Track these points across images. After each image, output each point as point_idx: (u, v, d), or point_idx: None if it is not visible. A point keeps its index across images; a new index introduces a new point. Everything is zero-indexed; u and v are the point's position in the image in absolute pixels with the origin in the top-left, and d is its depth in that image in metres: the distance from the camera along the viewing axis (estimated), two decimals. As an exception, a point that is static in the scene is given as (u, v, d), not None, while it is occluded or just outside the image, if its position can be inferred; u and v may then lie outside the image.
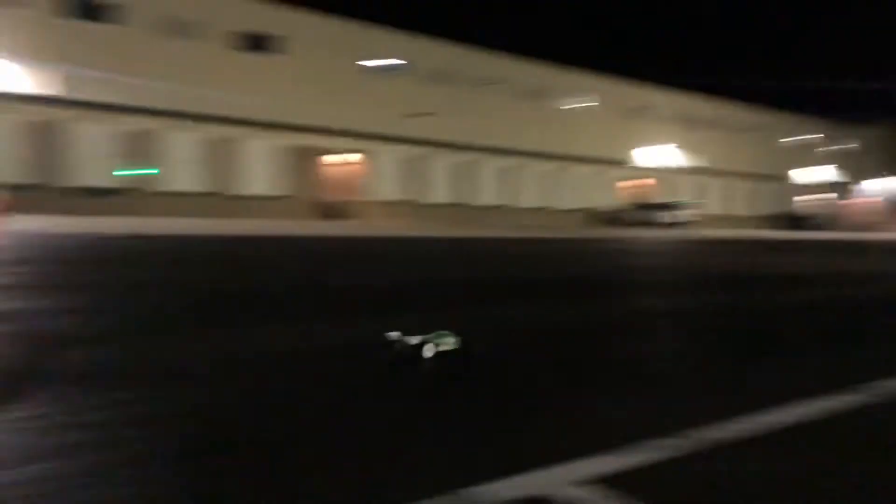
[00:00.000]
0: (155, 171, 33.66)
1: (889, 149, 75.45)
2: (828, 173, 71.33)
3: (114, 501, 1.84)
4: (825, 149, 70.95)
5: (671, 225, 46.55)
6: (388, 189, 41.56)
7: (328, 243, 17.67)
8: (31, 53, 30.13)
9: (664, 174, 55.34)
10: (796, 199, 68.01)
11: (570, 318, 5.68)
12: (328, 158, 40.84)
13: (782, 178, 67.00)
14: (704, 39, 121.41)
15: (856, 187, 73.53)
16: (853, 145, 73.24)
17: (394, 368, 3.45)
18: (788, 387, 3.20)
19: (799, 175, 68.99)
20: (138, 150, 33.34)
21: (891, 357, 4.28)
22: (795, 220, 60.71)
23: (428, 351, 3.49)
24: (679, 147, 56.80)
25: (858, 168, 73.40)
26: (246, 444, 2.30)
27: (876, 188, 74.01)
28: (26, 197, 25.89)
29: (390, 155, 41.41)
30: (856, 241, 31.94)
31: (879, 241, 34.33)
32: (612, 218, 49.71)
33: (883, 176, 74.00)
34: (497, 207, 46.58)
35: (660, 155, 55.91)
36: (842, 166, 72.29)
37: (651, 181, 55.20)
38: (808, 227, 59.09)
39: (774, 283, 10.23)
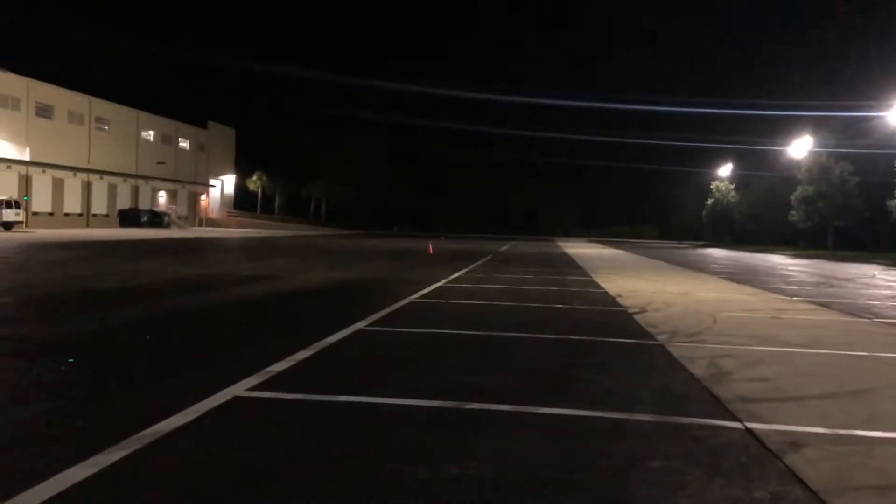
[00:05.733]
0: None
1: (225, 149, 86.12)
2: (179, 170, 75.00)
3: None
4: (173, 146, 75.06)
5: None
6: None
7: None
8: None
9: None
10: (154, 196, 69.59)
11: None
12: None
13: (133, 175, 66.23)
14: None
15: (203, 185, 79.54)
16: (199, 143, 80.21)
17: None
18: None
19: (152, 171, 69.72)
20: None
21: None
22: (139, 218, 60.26)
23: None
24: (0, 136, 52.29)
25: (200, 166, 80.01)
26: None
27: (216, 186, 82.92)
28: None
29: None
30: (198, 239, 40.79)
31: (221, 238, 45.88)
32: None
33: (221, 175, 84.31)
34: None
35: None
36: (186, 163, 77.06)
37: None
38: (156, 225, 60.42)
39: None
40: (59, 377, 5.96)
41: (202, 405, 5.02)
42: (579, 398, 5.68)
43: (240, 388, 5.57)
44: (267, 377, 6.01)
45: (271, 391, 5.55)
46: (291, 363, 6.64)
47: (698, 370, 6.93)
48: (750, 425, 4.98)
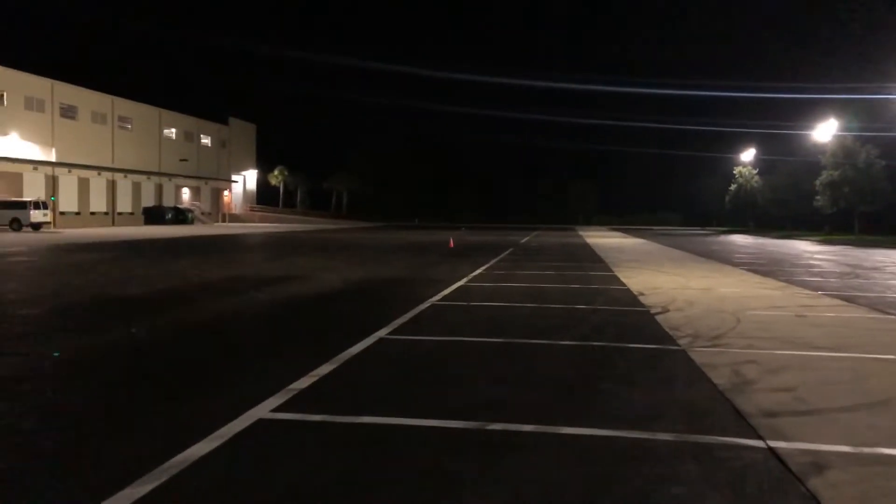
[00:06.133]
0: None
1: (247, 145, 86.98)
2: (202, 166, 75.92)
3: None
4: (195, 143, 75.99)
5: (23, 227, 43.81)
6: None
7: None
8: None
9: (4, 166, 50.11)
10: (177, 193, 70.49)
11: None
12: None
13: (157, 173, 67.47)
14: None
15: (226, 181, 79.99)
16: (221, 139, 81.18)
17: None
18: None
19: (175, 168, 70.71)
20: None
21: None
22: (164, 216, 61.54)
23: None
24: (26, 138, 52.28)
25: (222, 162, 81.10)
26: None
27: (239, 182, 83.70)
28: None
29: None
30: (219, 237, 41.86)
31: (244, 234, 46.22)
32: None
33: (243, 170, 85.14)
34: None
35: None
36: (209, 160, 78.13)
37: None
38: (180, 222, 61.64)
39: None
40: (83, 399, 6.08)
41: (227, 429, 5.11)
42: (601, 415, 5.69)
43: (264, 410, 5.65)
44: (290, 396, 6.09)
45: (295, 412, 5.63)
46: (314, 378, 6.71)
47: (721, 379, 6.91)
48: (773, 444, 4.96)
